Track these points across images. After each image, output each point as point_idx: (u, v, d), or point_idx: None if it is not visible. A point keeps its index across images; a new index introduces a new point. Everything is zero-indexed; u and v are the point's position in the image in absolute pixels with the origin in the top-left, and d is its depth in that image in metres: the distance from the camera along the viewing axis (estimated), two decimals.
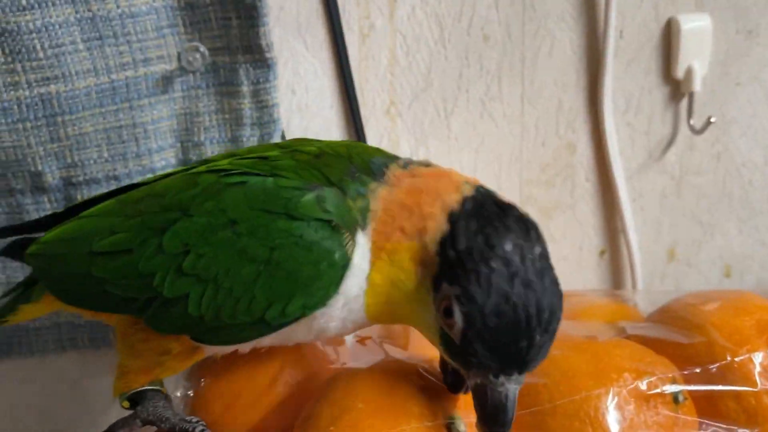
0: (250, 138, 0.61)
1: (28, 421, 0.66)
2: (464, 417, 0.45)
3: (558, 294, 0.39)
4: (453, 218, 0.39)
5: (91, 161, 0.59)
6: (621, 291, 0.71)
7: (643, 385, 0.47)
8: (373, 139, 0.65)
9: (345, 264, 0.40)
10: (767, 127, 0.73)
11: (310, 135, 0.64)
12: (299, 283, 0.40)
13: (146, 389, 0.46)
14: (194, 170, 0.46)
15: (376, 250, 0.41)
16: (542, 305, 0.38)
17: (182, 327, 0.43)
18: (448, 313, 0.38)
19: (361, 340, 0.55)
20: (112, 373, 0.47)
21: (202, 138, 0.61)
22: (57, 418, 0.66)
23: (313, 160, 0.44)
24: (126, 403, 0.46)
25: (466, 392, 0.44)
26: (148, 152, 0.60)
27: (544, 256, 0.40)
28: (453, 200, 0.40)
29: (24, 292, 0.52)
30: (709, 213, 0.75)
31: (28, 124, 0.57)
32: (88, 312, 0.49)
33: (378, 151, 0.47)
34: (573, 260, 0.74)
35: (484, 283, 0.37)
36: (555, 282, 0.39)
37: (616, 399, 0.46)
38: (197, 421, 0.43)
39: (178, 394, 0.51)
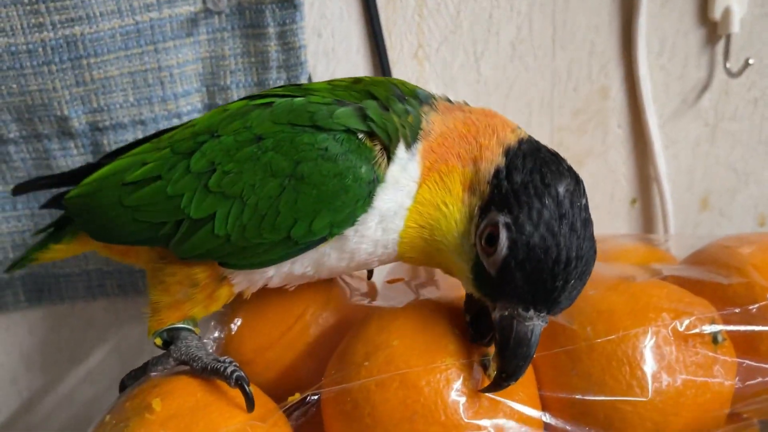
0: (276, 81, 0.60)
1: (59, 364, 0.67)
2: None
3: (595, 247, 0.40)
4: (510, 153, 0.40)
5: (117, 105, 0.58)
6: (653, 236, 0.69)
7: (681, 326, 0.46)
8: None
9: (373, 179, 0.40)
10: None
11: None
12: (325, 198, 0.39)
13: (180, 328, 0.45)
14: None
15: (427, 170, 0.41)
16: (582, 252, 0.39)
17: (209, 250, 0.42)
18: (491, 239, 0.39)
19: (392, 281, 0.55)
20: (141, 320, 0.47)
21: (228, 82, 0.60)
22: (87, 361, 0.67)
23: (352, 85, 0.44)
24: (159, 341, 0.46)
25: (489, 344, 0.44)
26: (173, 96, 0.59)
27: (588, 208, 0.40)
28: (509, 138, 0.41)
29: (55, 232, 0.52)
30: (744, 161, 0.73)
31: (54, 67, 0.56)
32: (117, 252, 0.49)
33: (418, 87, 0.46)
34: (603, 209, 0.72)
35: (535, 216, 0.38)
36: (593, 236, 0.40)
37: (654, 339, 0.45)
38: (230, 362, 0.43)
39: (211, 336, 0.50)
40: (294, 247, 0.41)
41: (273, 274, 0.44)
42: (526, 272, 0.38)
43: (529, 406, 0.44)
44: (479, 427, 0.41)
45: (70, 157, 0.59)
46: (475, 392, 0.42)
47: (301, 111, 0.41)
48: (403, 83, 0.45)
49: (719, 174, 0.73)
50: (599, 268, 0.54)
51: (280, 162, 0.40)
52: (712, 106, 0.71)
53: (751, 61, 0.65)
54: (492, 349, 0.44)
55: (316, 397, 0.44)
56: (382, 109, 0.42)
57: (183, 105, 0.59)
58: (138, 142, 0.50)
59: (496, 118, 0.43)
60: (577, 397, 0.45)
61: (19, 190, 0.55)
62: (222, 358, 0.44)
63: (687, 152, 0.72)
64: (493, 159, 0.40)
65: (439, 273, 0.55)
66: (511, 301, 0.39)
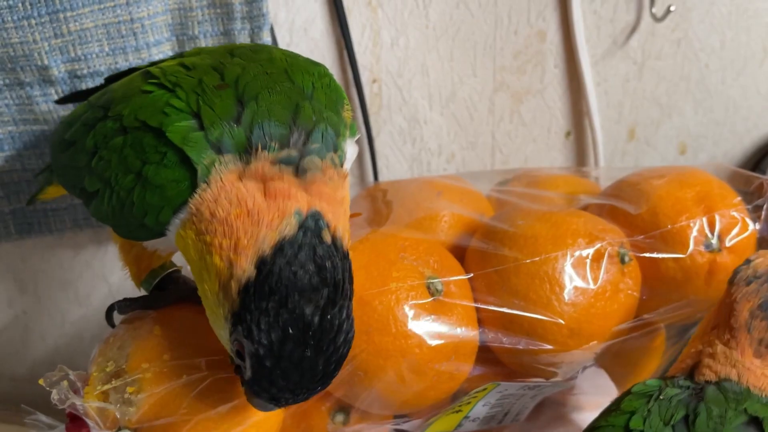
0: (241, 31, 0.65)
1: (51, 290, 0.74)
2: (441, 279, 0.53)
3: (342, 356, 0.39)
4: (263, 268, 0.37)
5: (93, 55, 0.63)
6: (584, 168, 0.78)
7: (593, 249, 0.55)
8: (356, 30, 0.70)
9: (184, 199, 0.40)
10: (724, 13, 0.78)
11: (296, 28, 0.69)
12: (165, 197, 0.40)
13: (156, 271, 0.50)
14: (149, 67, 0.46)
15: (193, 230, 0.39)
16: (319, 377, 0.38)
17: (103, 220, 0.45)
18: (239, 355, 0.39)
19: (351, 215, 0.62)
20: None
21: (197, 32, 0.65)
22: (75, 285, 0.74)
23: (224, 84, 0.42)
24: (147, 286, 0.50)
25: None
26: (146, 46, 0.64)
27: (341, 316, 0.39)
28: (268, 242, 0.37)
29: (48, 174, 0.58)
30: (668, 95, 0.81)
31: (33, 21, 0.60)
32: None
33: (330, 105, 0.43)
34: (541, 142, 0.80)
35: (276, 349, 0.37)
36: (345, 352, 0.39)
37: (571, 260, 0.54)
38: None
39: None
40: (150, 232, 0.42)
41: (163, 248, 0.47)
42: (270, 391, 0.39)
43: (467, 317, 0.53)
44: (422, 336, 0.50)
45: (51, 103, 0.64)
46: (419, 308, 0.51)
47: (157, 112, 0.41)
48: (303, 107, 0.42)
49: (645, 108, 0.81)
50: (530, 200, 0.62)
51: (133, 159, 0.41)
52: (640, 46, 0.78)
53: (672, 8, 0.72)
54: (435, 273, 0.53)
55: None
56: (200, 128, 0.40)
57: (155, 53, 0.64)
58: (132, 70, 0.52)
59: (275, 203, 0.38)
60: (505, 310, 0.53)
61: (62, 101, 0.61)
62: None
63: (617, 88, 0.80)
64: (245, 270, 0.37)
65: (393, 209, 0.63)
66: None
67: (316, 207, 0.39)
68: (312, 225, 0.38)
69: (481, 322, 0.54)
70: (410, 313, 0.50)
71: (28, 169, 0.68)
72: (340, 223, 0.40)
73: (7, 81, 0.63)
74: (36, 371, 0.77)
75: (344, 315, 0.39)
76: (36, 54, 0.62)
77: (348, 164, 0.44)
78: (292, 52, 0.47)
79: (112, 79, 0.56)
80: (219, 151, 0.39)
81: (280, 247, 0.37)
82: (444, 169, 0.78)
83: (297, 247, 0.37)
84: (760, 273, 0.48)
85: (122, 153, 0.42)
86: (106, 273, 0.74)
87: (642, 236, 0.56)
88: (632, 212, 0.58)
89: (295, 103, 0.41)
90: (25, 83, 0.63)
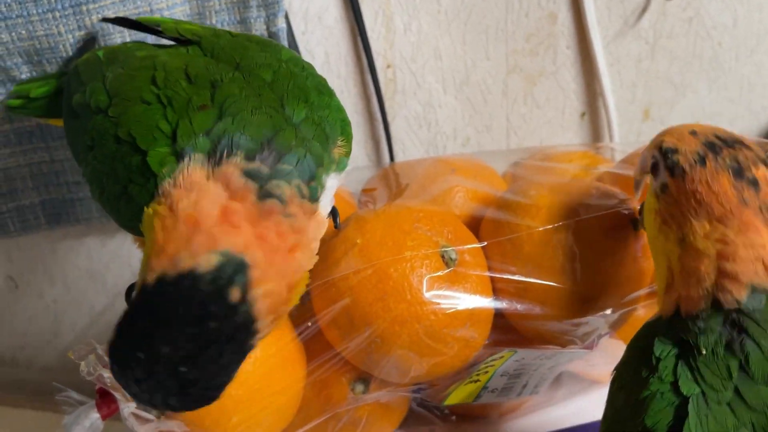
0: (257, 19, 0.67)
1: (80, 281, 0.76)
2: (456, 247, 0.54)
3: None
4: (141, 294, 0.36)
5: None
6: (600, 144, 0.79)
7: (605, 217, 0.55)
8: (369, 17, 0.71)
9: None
10: None
11: (311, 16, 0.70)
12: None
13: None
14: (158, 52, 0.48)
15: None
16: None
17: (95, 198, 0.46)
18: None
19: (367, 190, 0.64)
20: None
21: (214, 21, 0.67)
22: (104, 277, 0.76)
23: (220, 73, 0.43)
24: None
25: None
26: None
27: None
28: (179, 265, 0.35)
29: (53, 102, 0.60)
30: (681, 74, 0.82)
31: (57, 14, 0.63)
32: None
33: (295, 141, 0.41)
34: (556, 123, 0.81)
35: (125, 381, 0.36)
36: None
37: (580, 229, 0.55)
38: None
39: None
40: (137, 232, 0.42)
41: None
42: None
43: (482, 285, 0.54)
44: (437, 303, 0.51)
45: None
46: (433, 276, 0.52)
47: (147, 131, 0.41)
48: (284, 131, 0.41)
49: (659, 87, 0.82)
50: (548, 172, 0.63)
51: (122, 172, 0.42)
52: (651, 26, 0.78)
53: None
54: (449, 243, 0.54)
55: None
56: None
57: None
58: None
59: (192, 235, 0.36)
60: (519, 278, 0.54)
61: (107, 20, 0.61)
62: None
63: (629, 68, 0.80)
64: (148, 277, 0.36)
65: (408, 186, 0.64)
66: None
67: (249, 256, 0.36)
68: (226, 273, 0.35)
69: (495, 291, 0.55)
70: (425, 280, 0.51)
71: (56, 160, 0.70)
72: (271, 281, 0.37)
73: (34, 73, 0.65)
74: (67, 361, 0.79)
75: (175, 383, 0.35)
76: (61, 46, 0.64)
77: (325, 199, 0.42)
78: (310, 71, 0.47)
79: (123, 20, 0.57)
80: (181, 156, 0.39)
81: (180, 277, 0.35)
82: (460, 153, 0.79)
83: (188, 288, 0.35)
84: (697, 149, 0.43)
85: (113, 163, 0.42)
86: (134, 262, 0.76)
87: None
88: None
89: (278, 127, 0.41)
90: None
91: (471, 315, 0.52)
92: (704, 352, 0.39)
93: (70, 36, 0.64)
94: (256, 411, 0.50)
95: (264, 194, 0.38)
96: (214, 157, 0.38)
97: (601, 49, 0.77)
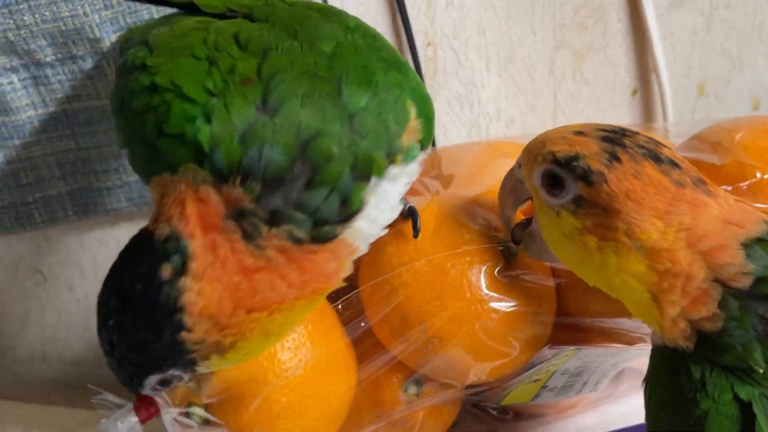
0: None
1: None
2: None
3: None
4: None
5: (143, 23, 0.62)
6: (653, 124, 0.74)
7: None
8: None
9: None
10: None
11: None
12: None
13: None
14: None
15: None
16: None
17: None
18: None
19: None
20: None
21: None
22: None
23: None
24: None
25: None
26: None
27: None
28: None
29: None
30: (738, 47, 0.77)
31: None
32: None
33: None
34: (606, 101, 0.76)
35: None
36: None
37: None
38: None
39: None
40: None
41: None
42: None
43: (543, 282, 0.50)
44: (498, 301, 0.48)
45: (105, 76, 0.63)
46: (494, 272, 0.48)
47: (193, 82, 0.39)
48: (328, 133, 0.38)
49: (714, 61, 0.77)
50: None
51: (151, 122, 0.40)
52: None
53: None
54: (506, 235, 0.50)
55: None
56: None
57: None
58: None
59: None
60: None
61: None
62: None
63: (684, 42, 0.75)
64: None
65: (456, 174, 0.60)
66: None
67: (193, 247, 0.36)
68: (170, 248, 0.36)
69: (558, 287, 0.51)
70: (485, 277, 0.48)
71: (82, 147, 0.67)
72: (209, 286, 0.36)
73: (59, 56, 0.62)
74: (99, 355, 0.77)
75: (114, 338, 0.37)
76: (87, 27, 0.60)
77: (370, 211, 0.40)
78: (382, 42, 0.43)
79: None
80: (205, 156, 0.37)
81: (137, 240, 0.39)
82: (504, 135, 0.75)
83: (134, 250, 0.38)
84: (598, 147, 0.39)
85: (143, 115, 0.40)
86: None
87: (729, 186, 0.53)
88: (717, 163, 0.54)
89: (322, 127, 0.37)
90: (78, 57, 0.62)
91: (534, 314, 0.49)
92: (761, 370, 0.36)
93: (96, 16, 0.60)
94: (308, 418, 0.47)
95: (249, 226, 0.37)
96: (234, 177, 0.37)
97: (654, 21, 0.72)
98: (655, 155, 0.38)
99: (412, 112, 0.40)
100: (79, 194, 0.69)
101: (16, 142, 0.66)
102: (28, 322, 0.75)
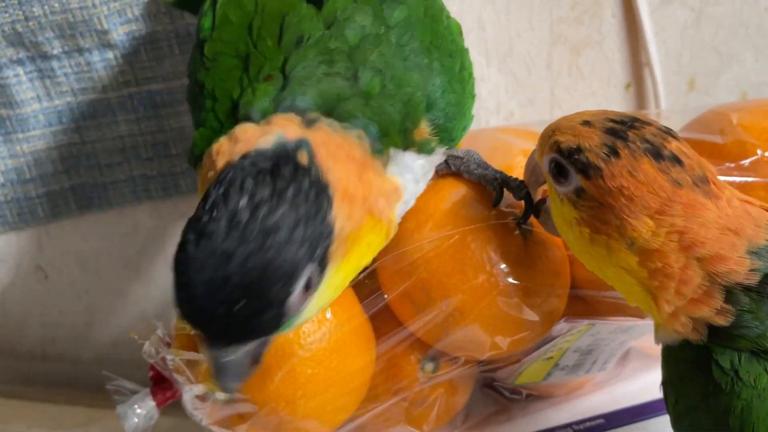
0: None
1: (112, 267, 0.72)
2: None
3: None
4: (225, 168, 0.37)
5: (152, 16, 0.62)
6: (647, 111, 0.76)
7: None
8: None
9: None
10: None
11: None
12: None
13: None
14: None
15: None
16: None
17: None
18: None
19: None
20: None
21: None
22: (137, 264, 0.73)
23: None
24: None
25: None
26: None
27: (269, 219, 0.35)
28: (238, 152, 0.37)
29: None
30: (727, 43, 0.79)
31: None
32: None
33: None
34: (601, 95, 0.78)
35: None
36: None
37: None
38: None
39: None
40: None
41: None
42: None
43: (560, 254, 0.51)
44: (517, 273, 0.48)
45: (111, 68, 0.63)
46: (510, 246, 0.49)
47: (227, 90, 0.43)
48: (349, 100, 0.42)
49: (704, 57, 0.79)
50: None
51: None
52: None
53: None
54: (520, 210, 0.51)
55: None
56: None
57: None
58: None
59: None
60: None
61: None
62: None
63: (675, 38, 0.78)
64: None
65: None
66: None
67: (309, 138, 0.37)
68: (290, 147, 0.36)
69: (572, 261, 0.52)
70: (503, 251, 0.48)
71: (87, 141, 0.67)
72: (337, 169, 0.37)
73: (66, 48, 0.62)
74: (101, 352, 0.76)
75: (250, 249, 0.34)
76: (95, 18, 0.61)
77: (404, 174, 0.43)
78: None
79: None
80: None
81: (245, 155, 0.36)
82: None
83: (256, 158, 0.36)
84: (601, 140, 0.39)
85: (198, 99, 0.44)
86: (168, 249, 0.73)
87: (732, 163, 0.54)
88: (719, 142, 0.56)
89: (344, 96, 0.41)
90: (84, 49, 0.62)
91: (551, 287, 0.50)
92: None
93: (104, 8, 0.60)
94: (331, 393, 0.47)
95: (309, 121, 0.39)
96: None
97: (647, 17, 0.74)
98: (657, 151, 0.38)
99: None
100: (83, 189, 0.68)
101: (20, 135, 0.66)
102: (28, 319, 0.74)
